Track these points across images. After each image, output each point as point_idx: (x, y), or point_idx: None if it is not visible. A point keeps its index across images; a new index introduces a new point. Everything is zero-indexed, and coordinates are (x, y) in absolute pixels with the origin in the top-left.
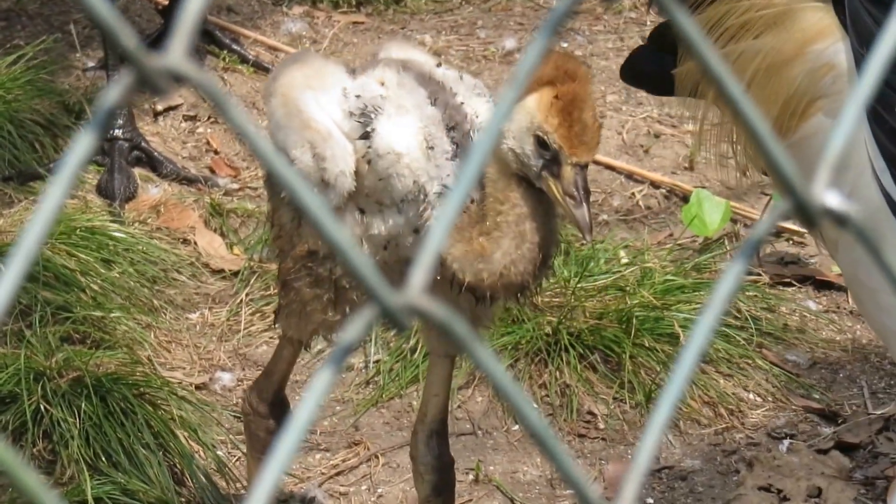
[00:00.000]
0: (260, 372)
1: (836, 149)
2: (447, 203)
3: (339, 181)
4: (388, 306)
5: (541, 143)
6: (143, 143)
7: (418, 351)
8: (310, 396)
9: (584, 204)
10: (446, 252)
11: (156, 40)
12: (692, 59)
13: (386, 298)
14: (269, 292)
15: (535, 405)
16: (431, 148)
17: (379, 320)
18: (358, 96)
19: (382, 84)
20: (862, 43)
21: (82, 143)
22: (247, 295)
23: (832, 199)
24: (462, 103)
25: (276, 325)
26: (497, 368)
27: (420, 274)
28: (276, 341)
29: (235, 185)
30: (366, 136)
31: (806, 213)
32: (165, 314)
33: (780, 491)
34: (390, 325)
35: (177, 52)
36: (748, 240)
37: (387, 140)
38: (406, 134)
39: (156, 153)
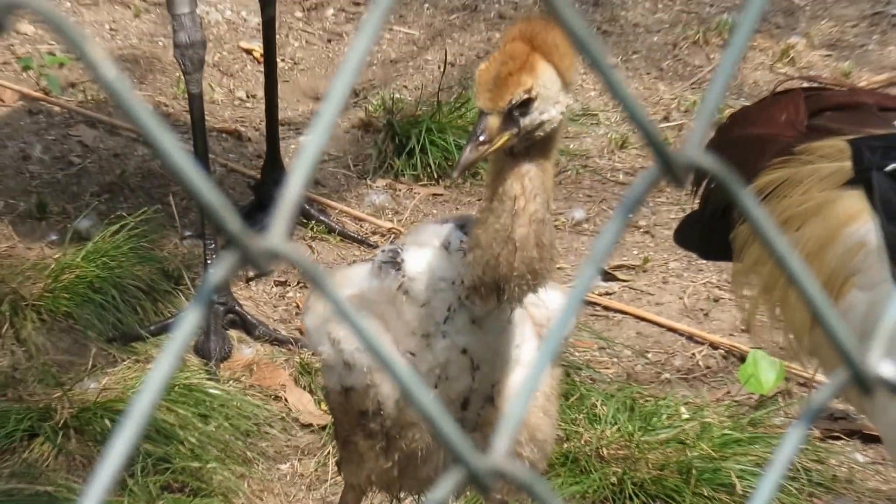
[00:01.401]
0: None
1: (890, 323)
2: (528, 379)
3: (356, 358)
4: (475, 470)
5: None
6: (237, 307)
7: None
8: None
9: (469, 144)
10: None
11: (248, 214)
12: (754, 233)
13: (472, 462)
14: None
15: None
16: (447, 246)
17: (465, 482)
18: (383, 251)
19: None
20: (891, 220)
21: (190, 319)
22: (333, 447)
23: (887, 370)
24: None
25: (340, 474)
26: None
27: (503, 439)
28: None
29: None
30: (397, 267)
31: (863, 381)
32: (258, 465)
33: None
34: (475, 488)
35: (277, 234)
36: (810, 406)
37: (415, 263)
38: (429, 254)
39: (249, 316)
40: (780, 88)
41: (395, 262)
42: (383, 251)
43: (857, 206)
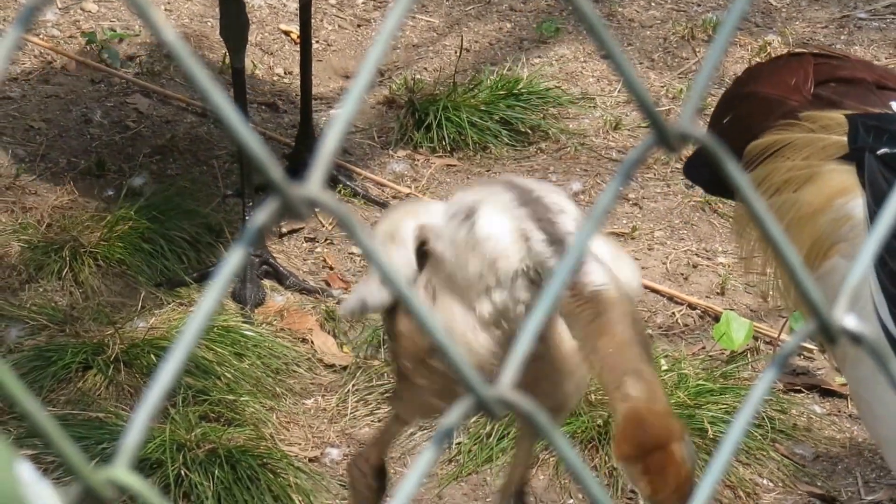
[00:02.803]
0: (363, 448)
1: (854, 280)
2: (536, 312)
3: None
4: (483, 398)
5: None
6: (270, 260)
7: (493, 435)
8: (418, 466)
9: None
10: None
11: None
12: (742, 204)
13: (481, 391)
14: (372, 384)
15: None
16: (528, 238)
17: (475, 409)
18: (459, 202)
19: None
20: (876, 200)
21: (236, 256)
22: (353, 386)
23: (850, 322)
24: (542, 196)
25: (391, 407)
26: (570, 451)
27: (510, 372)
28: (377, 424)
29: (346, 296)
30: (470, 224)
31: (828, 332)
32: (286, 399)
33: None
34: (484, 414)
35: (315, 183)
36: (781, 352)
37: (488, 226)
38: (503, 223)
39: (281, 268)
40: (794, 51)
41: (468, 218)
42: (460, 203)
43: (849, 181)
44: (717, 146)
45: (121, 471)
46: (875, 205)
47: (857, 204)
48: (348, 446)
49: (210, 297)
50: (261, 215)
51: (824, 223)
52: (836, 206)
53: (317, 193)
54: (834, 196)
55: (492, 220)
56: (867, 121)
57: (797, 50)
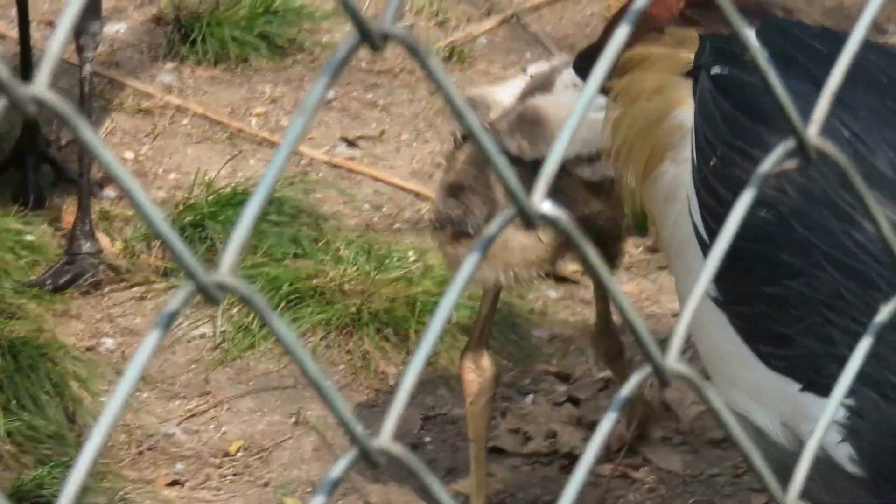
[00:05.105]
0: (134, 337)
1: (550, 166)
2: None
3: None
4: (203, 283)
5: None
6: (50, 156)
7: (254, 324)
8: (141, 351)
9: None
10: None
11: None
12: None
13: (200, 277)
14: (142, 277)
15: (337, 366)
16: None
17: (195, 294)
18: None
19: None
20: (701, 112)
21: None
22: (126, 280)
23: (546, 207)
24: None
25: None
26: (285, 332)
27: (229, 256)
28: (143, 314)
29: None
30: None
31: (527, 216)
32: (64, 294)
33: (525, 433)
34: (205, 299)
35: (42, 82)
36: (484, 236)
37: None
38: None
39: (58, 171)
40: None
41: None
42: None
43: (686, 94)
44: (416, 45)
45: None
46: (700, 116)
47: (688, 115)
48: (122, 336)
49: None
50: None
51: (662, 132)
52: (672, 117)
53: (41, 92)
54: (672, 107)
55: None
56: (713, 42)
57: None
